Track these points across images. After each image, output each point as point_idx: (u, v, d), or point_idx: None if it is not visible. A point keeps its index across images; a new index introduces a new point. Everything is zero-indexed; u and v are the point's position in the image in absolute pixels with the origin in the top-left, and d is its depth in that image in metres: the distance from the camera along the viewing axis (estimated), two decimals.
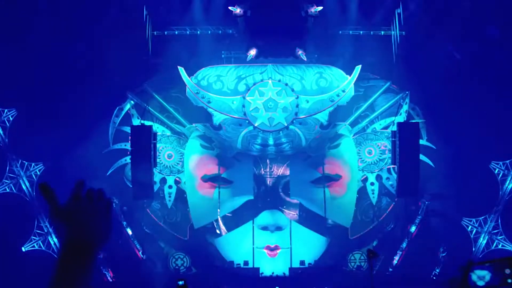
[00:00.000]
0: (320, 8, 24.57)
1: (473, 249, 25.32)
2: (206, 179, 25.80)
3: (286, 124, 25.70)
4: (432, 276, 25.03)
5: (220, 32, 26.16)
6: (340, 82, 25.61)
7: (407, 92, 25.83)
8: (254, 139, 26.07)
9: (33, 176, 25.26)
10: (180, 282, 7.99)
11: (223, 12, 25.07)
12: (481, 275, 3.04)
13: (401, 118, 25.70)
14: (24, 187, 25.17)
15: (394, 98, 26.26)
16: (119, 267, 24.91)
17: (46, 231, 25.07)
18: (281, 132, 25.85)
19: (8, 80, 24.36)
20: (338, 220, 26.23)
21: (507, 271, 3.08)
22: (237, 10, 24.80)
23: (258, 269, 24.91)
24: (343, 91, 25.58)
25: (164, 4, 25.24)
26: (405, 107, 25.95)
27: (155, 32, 25.99)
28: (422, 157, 25.21)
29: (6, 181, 25.16)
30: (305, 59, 25.83)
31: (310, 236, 25.96)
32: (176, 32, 26.13)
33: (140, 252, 25.59)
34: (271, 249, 25.64)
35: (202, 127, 26.21)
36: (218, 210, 25.86)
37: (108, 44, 25.58)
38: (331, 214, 26.16)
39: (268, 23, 24.54)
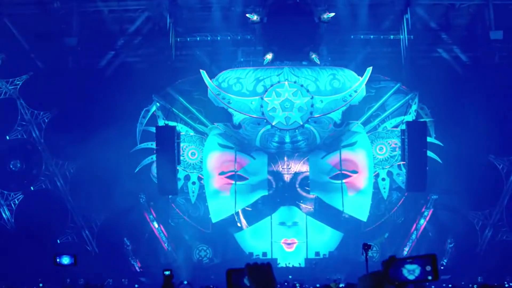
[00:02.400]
0: (332, 14, 25.86)
1: (479, 240, 26.59)
2: (223, 175, 27.46)
3: (301, 123, 27.07)
4: (440, 266, 26.31)
5: (239, 38, 27.64)
6: (353, 83, 26.94)
7: (416, 93, 27.16)
8: (272, 137, 27.51)
9: (67, 174, 27.14)
10: (167, 272, 9.15)
11: (241, 19, 26.47)
12: (411, 269, 3.82)
13: (410, 117, 27.02)
14: (58, 184, 27.06)
15: (404, 99, 27.58)
16: (146, 257, 26.60)
17: (79, 224, 26.97)
18: (297, 130, 27.24)
19: (43, 85, 26.18)
20: (355, 214, 27.53)
21: (428, 268, 3.87)
22: (254, 17, 26.19)
23: (275, 260, 26.41)
24: (355, 91, 26.92)
25: (186, 13, 26.72)
26: (414, 107, 27.25)
27: (178, 39, 27.52)
28: (430, 154, 26.50)
29: (42, 178, 27.07)
30: (319, 62, 27.23)
31: (325, 231, 27.36)
32: (198, 38, 27.66)
33: (165, 244, 27.29)
34: (288, 243, 27.13)
35: (223, 126, 27.72)
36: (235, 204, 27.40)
37: (135, 50, 27.34)
38: (349, 209, 27.48)
39: (283, 29, 25.89)
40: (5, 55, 26.69)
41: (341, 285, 10.92)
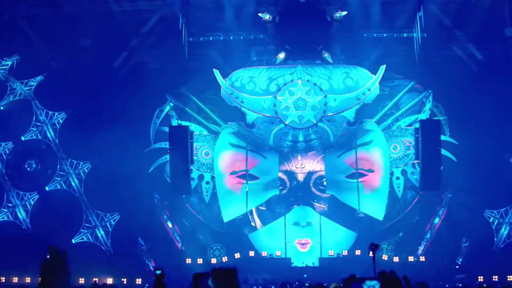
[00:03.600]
0: (344, 13, 25.77)
1: (495, 239, 26.41)
2: (235, 175, 27.48)
3: (315, 122, 27.01)
4: (455, 265, 26.18)
5: (251, 37, 27.62)
6: (366, 81, 26.85)
7: (430, 91, 27.03)
8: (285, 136, 27.49)
9: (82, 174, 27.36)
10: (158, 272, 9.21)
11: (253, 18, 26.44)
12: (371, 285, 3.98)
13: (424, 115, 26.89)
14: (73, 184, 27.28)
15: (418, 97, 27.47)
16: (160, 257, 26.73)
17: (93, 224, 27.17)
18: (310, 129, 27.19)
19: (58, 86, 26.44)
20: (371, 213, 27.42)
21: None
22: (266, 16, 26.20)
23: (289, 259, 26.45)
24: (369, 89, 26.82)
25: (199, 12, 26.73)
26: (429, 105, 27.14)
27: (191, 39, 27.57)
28: (445, 152, 26.37)
29: (57, 178, 27.31)
30: (331, 61, 27.18)
31: (339, 231, 27.28)
32: (211, 38, 27.66)
33: (179, 244, 27.38)
34: (302, 243, 27.08)
35: (236, 125, 27.75)
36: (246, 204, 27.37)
37: (148, 51, 27.44)
38: (365, 208, 27.41)
39: (295, 28, 25.86)
40: (19, 56, 26.97)
41: (341, 285, 10.86)
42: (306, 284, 16.82)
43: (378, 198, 27.39)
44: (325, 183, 28.29)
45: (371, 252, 12.64)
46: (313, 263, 26.32)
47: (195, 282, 3.69)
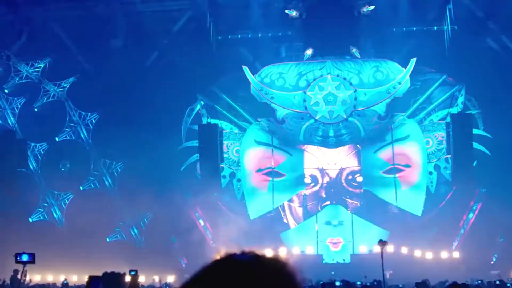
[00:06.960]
0: (372, 7, 25.52)
1: None
2: (260, 172, 27.51)
3: (345, 117, 26.82)
4: (490, 261, 25.67)
5: (280, 34, 27.59)
6: (396, 75, 26.52)
7: (462, 85, 26.53)
8: (316, 131, 27.35)
9: (115, 173, 27.81)
10: (132, 272, 9.37)
11: (281, 15, 26.39)
12: None
13: (456, 109, 26.41)
14: (107, 183, 27.77)
15: (450, 90, 26.99)
16: (192, 254, 26.98)
17: (127, 222, 27.58)
18: (340, 124, 27.01)
19: (90, 87, 26.87)
20: (409, 208, 27.08)
21: None
22: (293, 13, 26.13)
23: (321, 256, 26.37)
24: (399, 83, 26.48)
25: (226, 10, 26.81)
26: (461, 99, 26.65)
27: (219, 37, 27.67)
28: (478, 146, 25.88)
29: (91, 178, 27.82)
30: (359, 57, 26.90)
31: (371, 229, 26.96)
32: (239, 36, 27.73)
33: (211, 241, 27.53)
34: (334, 242, 26.95)
35: (266, 122, 27.77)
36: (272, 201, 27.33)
37: (178, 50, 27.64)
38: (402, 203, 27.10)
39: (322, 24, 25.71)
40: (52, 58, 27.53)
41: (337, 283, 11.02)
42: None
43: (415, 193, 27.12)
44: (357, 179, 28.07)
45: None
46: (343, 260, 26.17)
47: (89, 284, 3.92)
